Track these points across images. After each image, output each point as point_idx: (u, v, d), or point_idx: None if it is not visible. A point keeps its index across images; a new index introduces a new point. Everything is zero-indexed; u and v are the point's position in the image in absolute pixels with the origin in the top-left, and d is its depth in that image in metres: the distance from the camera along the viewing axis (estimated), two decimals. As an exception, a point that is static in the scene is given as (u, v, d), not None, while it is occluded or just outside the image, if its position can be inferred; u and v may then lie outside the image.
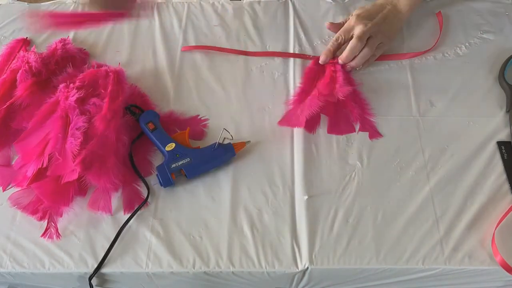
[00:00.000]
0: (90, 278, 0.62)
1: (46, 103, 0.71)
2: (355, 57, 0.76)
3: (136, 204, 0.66)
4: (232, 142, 0.69)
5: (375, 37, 0.76)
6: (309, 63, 0.80)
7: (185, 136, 0.70)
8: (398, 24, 0.81)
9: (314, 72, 0.78)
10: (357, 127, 0.73)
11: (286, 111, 0.74)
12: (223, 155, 0.68)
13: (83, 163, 0.64)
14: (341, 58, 0.77)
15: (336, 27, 0.82)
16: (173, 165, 0.66)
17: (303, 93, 0.75)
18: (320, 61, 0.78)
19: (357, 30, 0.75)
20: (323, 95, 0.72)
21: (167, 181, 0.66)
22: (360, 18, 0.77)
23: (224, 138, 0.68)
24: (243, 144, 0.69)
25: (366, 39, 0.75)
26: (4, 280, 0.65)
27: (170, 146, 0.68)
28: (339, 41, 0.78)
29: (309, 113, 0.70)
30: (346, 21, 0.80)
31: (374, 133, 0.72)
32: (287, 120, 0.73)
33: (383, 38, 0.78)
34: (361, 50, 0.76)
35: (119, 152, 0.68)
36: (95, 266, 0.61)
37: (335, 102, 0.73)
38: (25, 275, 0.63)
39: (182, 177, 0.68)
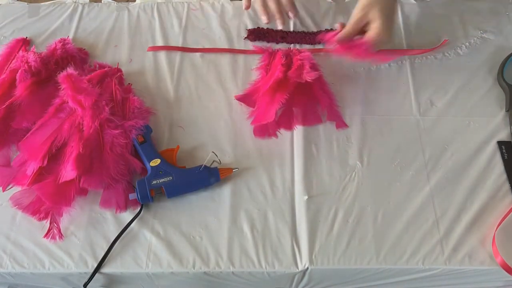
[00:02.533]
0: (85, 285, 0.62)
1: (53, 105, 0.71)
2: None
3: (129, 203, 0.66)
4: (219, 166, 0.67)
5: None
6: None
7: (173, 154, 0.68)
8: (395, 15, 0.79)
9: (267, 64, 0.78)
10: (325, 118, 0.74)
11: (255, 108, 0.74)
12: (207, 179, 0.66)
13: (77, 162, 0.64)
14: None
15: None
16: (154, 182, 0.64)
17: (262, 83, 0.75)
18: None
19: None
20: (292, 77, 0.72)
21: (145, 197, 0.64)
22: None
23: (213, 161, 0.67)
24: (229, 170, 0.67)
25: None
26: (4, 280, 0.65)
27: (155, 162, 0.66)
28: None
29: (279, 105, 0.70)
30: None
31: (341, 123, 0.73)
32: (258, 119, 0.72)
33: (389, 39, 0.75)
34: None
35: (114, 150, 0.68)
36: (94, 267, 0.61)
37: (304, 93, 0.73)
38: (25, 275, 0.63)
39: (162, 196, 0.66)
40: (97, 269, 0.61)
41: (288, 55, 0.77)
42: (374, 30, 0.72)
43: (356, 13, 0.74)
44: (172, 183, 0.64)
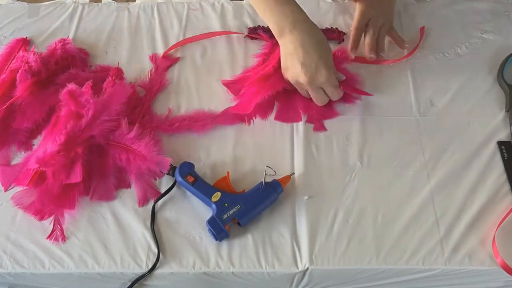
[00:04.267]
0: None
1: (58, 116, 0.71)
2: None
3: (150, 196, 0.66)
4: (276, 177, 0.66)
5: (375, 18, 0.79)
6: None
7: (227, 181, 0.65)
8: None
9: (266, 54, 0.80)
10: (305, 118, 0.74)
11: (240, 95, 0.75)
12: (272, 193, 0.64)
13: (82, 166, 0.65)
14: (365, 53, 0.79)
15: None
16: (225, 216, 0.62)
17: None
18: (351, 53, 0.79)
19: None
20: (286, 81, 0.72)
21: (222, 234, 0.62)
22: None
23: (266, 174, 0.65)
24: (288, 177, 0.66)
25: (364, 25, 0.79)
26: (4, 281, 0.65)
27: (216, 196, 0.63)
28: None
29: (261, 98, 0.71)
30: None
31: (319, 126, 0.73)
32: (237, 107, 0.74)
33: (381, 17, 0.79)
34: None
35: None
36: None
37: (288, 89, 0.74)
38: (25, 276, 0.63)
39: (234, 225, 0.64)
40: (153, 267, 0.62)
41: None
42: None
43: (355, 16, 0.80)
44: (242, 211, 0.63)
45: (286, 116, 0.74)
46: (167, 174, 0.67)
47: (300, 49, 0.68)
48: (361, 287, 0.68)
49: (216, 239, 0.62)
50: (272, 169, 0.67)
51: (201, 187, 0.65)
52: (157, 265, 0.62)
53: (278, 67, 0.73)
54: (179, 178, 0.66)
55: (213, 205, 0.63)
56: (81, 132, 0.66)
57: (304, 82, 0.70)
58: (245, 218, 0.63)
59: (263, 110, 0.74)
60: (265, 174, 0.65)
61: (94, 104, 0.67)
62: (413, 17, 0.86)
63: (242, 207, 0.63)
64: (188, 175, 0.65)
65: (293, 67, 0.70)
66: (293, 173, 0.68)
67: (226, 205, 0.63)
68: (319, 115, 0.74)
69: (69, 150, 0.65)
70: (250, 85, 0.74)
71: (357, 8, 0.81)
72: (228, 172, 0.66)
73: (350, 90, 0.74)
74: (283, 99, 0.75)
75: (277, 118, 0.74)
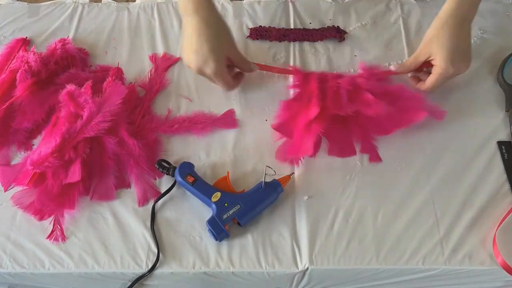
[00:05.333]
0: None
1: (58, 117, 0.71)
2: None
3: (150, 196, 0.66)
4: (275, 177, 0.66)
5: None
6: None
7: (227, 181, 0.65)
8: (468, 37, 0.72)
9: (301, 91, 0.74)
10: (359, 148, 0.71)
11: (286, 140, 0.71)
12: (272, 193, 0.64)
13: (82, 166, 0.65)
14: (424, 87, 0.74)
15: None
16: (225, 216, 0.62)
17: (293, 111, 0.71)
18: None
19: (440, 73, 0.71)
20: (330, 108, 0.68)
21: (222, 234, 0.62)
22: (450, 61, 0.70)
23: (266, 174, 0.65)
24: (288, 177, 0.66)
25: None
26: (4, 280, 0.65)
27: (216, 196, 0.63)
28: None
29: (316, 138, 0.66)
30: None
31: (375, 157, 0.70)
32: (295, 150, 0.69)
33: (462, 68, 0.72)
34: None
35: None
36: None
37: (336, 123, 0.69)
38: (25, 275, 0.63)
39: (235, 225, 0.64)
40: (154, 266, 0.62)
41: (323, 80, 0.73)
42: (435, 69, 0.71)
43: (418, 48, 0.74)
44: (242, 211, 0.63)
45: (340, 151, 0.70)
46: (167, 174, 0.67)
47: (195, 37, 0.68)
48: (361, 287, 0.68)
49: (216, 239, 0.62)
50: (272, 168, 0.67)
51: (201, 187, 0.65)
52: (157, 265, 0.62)
53: (321, 98, 0.69)
54: (179, 178, 0.66)
55: (213, 205, 0.63)
56: (77, 134, 0.66)
57: (193, 70, 0.71)
58: (245, 218, 0.63)
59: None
60: (265, 174, 0.65)
61: (89, 106, 0.68)
62: (413, 17, 0.86)
63: (242, 207, 0.63)
64: (188, 175, 0.65)
65: (186, 53, 0.70)
66: (293, 173, 0.68)
67: (226, 205, 0.63)
68: (372, 145, 0.70)
69: (63, 152, 0.65)
70: (300, 126, 0.69)
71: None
72: (228, 172, 0.66)
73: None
74: (332, 134, 0.70)
75: (330, 153, 0.70)
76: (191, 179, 0.65)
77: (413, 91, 0.73)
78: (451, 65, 0.70)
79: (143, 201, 0.66)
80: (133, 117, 0.73)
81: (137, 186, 0.67)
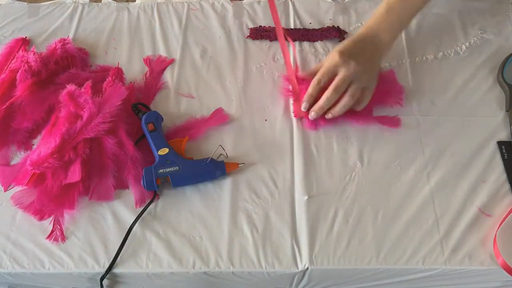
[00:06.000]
0: (102, 279, 0.62)
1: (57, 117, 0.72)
2: (334, 105, 0.70)
3: (147, 198, 0.66)
4: (226, 160, 0.68)
5: (358, 80, 0.68)
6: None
7: (182, 144, 0.68)
8: (379, 60, 0.73)
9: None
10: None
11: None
12: (213, 171, 0.66)
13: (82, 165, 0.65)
14: (314, 110, 0.70)
15: (311, 74, 0.73)
16: (161, 170, 0.65)
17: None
18: (302, 108, 0.71)
19: (340, 74, 0.68)
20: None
21: (151, 185, 0.65)
22: (344, 55, 0.68)
23: (220, 154, 0.67)
24: (235, 165, 0.68)
25: (346, 86, 0.68)
26: (4, 280, 0.65)
27: (163, 151, 0.66)
28: (321, 84, 0.70)
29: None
30: (321, 64, 0.72)
31: (395, 121, 0.73)
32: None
33: (368, 80, 0.70)
34: (342, 97, 0.69)
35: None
36: (107, 266, 0.62)
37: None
38: (25, 275, 0.63)
39: (168, 183, 0.66)
40: (110, 268, 0.61)
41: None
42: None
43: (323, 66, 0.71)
44: (178, 173, 0.65)
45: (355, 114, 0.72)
46: (137, 116, 0.71)
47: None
48: (361, 287, 0.68)
49: (145, 187, 0.65)
50: (224, 150, 0.68)
51: (156, 137, 0.68)
52: (157, 265, 0.61)
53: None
54: (142, 123, 0.69)
55: (157, 158, 0.66)
56: (76, 135, 0.66)
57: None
58: (177, 181, 0.66)
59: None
60: (216, 152, 0.67)
61: (89, 107, 0.68)
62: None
63: (180, 170, 0.65)
64: (151, 123, 0.69)
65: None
66: (243, 163, 0.68)
67: (168, 162, 0.66)
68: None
69: (63, 153, 0.65)
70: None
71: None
72: (186, 136, 0.69)
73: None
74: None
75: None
76: (151, 127, 0.68)
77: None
78: (339, 55, 0.68)
79: (140, 203, 0.66)
80: (133, 118, 0.73)
81: (134, 188, 0.67)
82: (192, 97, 0.77)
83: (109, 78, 0.74)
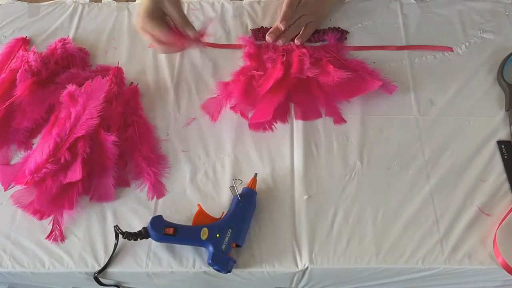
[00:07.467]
0: (95, 275, 0.62)
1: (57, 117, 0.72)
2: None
3: (165, 191, 0.67)
4: (243, 184, 0.66)
5: (306, 15, 0.82)
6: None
7: (202, 213, 0.63)
8: (330, 4, 0.86)
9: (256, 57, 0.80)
10: (324, 112, 0.74)
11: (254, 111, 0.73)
12: (251, 201, 0.64)
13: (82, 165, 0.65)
14: (270, 32, 0.81)
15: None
16: (223, 246, 0.59)
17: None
18: (270, 40, 0.81)
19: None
20: (294, 73, 0.73)
21: (230, 264, 0.59)
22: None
23: (235, 187, 0.65)
24: (254, 180, 0.66)
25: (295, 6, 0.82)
26: (4, 280, 0.65)
27: (205, 233, 0.60)
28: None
29: (277, 104, 0.71)
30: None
31: (339, 119, 0.73)
32: (256, 116, 0.72)
33: (312, 16, 0.83)
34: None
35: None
36: (102, 264, 0.62)
37: (302, 89, 0.74)
38: (25, 275, 0.63)
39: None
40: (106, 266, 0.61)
41: (287, 51, 0.78)
42: None
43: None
44: (235, 234, 0.61)
45: (306, 114, 0.74)
46: (139, 239, 0.61)
47: None
48: (361, 287, 0.68)
49: (228, 272, 0.60)
50: (237, 179, 0.67)
51: (185, 232, 0.61)
52: (157, 264, 0.61)
53: (285, 68, 0.74)
54: (157, 236, 0.60)
55: (206, 242, 0.60)
56: (68, 136, 0.66)
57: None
58: (241, 238, 0.62)
59: (280, 114, 0.73)
60: (235, 187, 0.65)
61: (74, 106, 0.68)
62: (413, 17, 0.86)
63: (234, 230, 0.61)
64: (165, 228, 0.60)
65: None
66: (256, 173, 0.67)
67: (218, 236, 0.60)
68: (336, 108, 0.74)
69: (58, 156, 0.65)
70: (264, 93, 0.72)
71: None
72: (199, 205, 0.64)
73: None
74: (298, 100, 0.75)
75: (297, 117, 0.74)
76: (171, 230, 0.60)
77: (370, 67, 0.77)
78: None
79: (153, 194, 0.67)
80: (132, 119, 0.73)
81: (147, 180, 0.67)
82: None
83: (108, 77, 0.74)
